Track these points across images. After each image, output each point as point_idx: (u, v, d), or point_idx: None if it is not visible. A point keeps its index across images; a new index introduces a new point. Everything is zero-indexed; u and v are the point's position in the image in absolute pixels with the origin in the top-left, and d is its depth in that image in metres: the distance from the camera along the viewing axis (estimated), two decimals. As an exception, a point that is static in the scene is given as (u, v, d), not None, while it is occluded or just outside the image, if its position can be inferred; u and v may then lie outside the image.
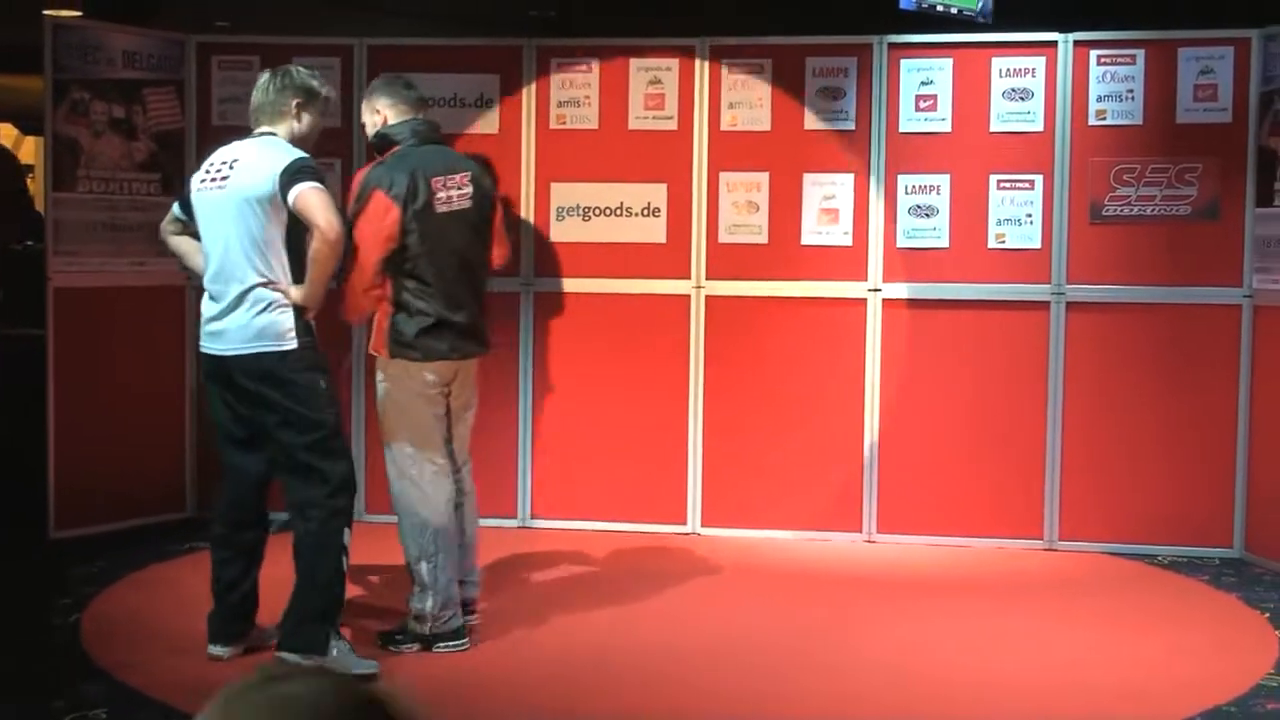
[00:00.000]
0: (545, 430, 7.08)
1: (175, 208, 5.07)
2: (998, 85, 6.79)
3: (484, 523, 7.02)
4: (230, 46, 7.25)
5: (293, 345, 4.81)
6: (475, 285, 5.35)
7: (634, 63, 6.99)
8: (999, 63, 6.80)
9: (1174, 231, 6.69)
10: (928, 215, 6.82)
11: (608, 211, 6.99)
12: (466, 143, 7.05)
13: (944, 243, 6.81)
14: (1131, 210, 6.71)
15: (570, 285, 7.03)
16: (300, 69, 5.02)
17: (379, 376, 5.27)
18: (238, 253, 4.77)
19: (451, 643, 5.18)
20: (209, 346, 4.87)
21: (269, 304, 4.77)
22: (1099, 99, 6.73)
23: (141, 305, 6.96)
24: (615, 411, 7.03)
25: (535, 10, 10.61)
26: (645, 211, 6.97)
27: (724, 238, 6.93)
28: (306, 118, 4.94)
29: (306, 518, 4.83)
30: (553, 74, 7.03)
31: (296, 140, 4.91)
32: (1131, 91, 6.71)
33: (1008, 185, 6.78)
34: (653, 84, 6.98)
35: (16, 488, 6.99)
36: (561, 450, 7.07)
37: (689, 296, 6.95)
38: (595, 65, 7.01)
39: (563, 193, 7.03)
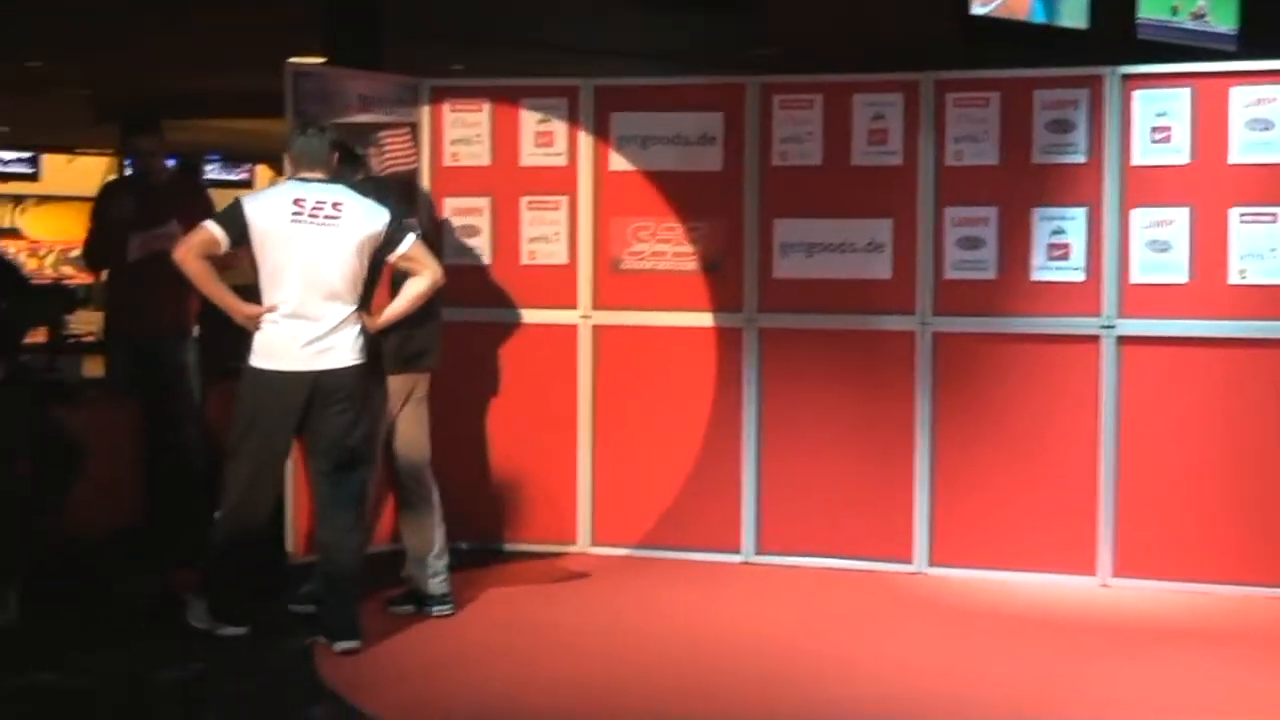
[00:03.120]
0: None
1: (220, 233, 5.45)
2: (1238, 116, 6.56)
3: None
4: (461, 90, 7.40)
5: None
6: None
7: (857, 98, 6.96)
8: (1239, 93, 6.57)
9: None
10: (1164, 250, 6.62)
11: (835, 248, 6.97)
12: (689, 180, 7.11)
13: (1183, 278, 6.60)
14: (1385, 242, 6.40)
15: (791, 321, 7.00)
16: (333, 129, 5.84)
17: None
18: (345, 282, 5.46)
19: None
20: (311, 364, 5.42)
21: (360, 326, 5.52)
22: (1347, 126, 6.45)
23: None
24: (842, 448, 6.97)
25: (760, 50, 10.69)
26: (869, 247, 6.94)
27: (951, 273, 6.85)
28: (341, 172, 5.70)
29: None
30: (775, 111, 7.04)
31: None
32: (1385, 118, 6.42)
33: (1251, 219, 6.54)
34: (875, 119, 6.95)
35: None
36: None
37: (915, 333, 6.87)
38: (819, 100, 7.01)
39: (786, 229, 7.03)
